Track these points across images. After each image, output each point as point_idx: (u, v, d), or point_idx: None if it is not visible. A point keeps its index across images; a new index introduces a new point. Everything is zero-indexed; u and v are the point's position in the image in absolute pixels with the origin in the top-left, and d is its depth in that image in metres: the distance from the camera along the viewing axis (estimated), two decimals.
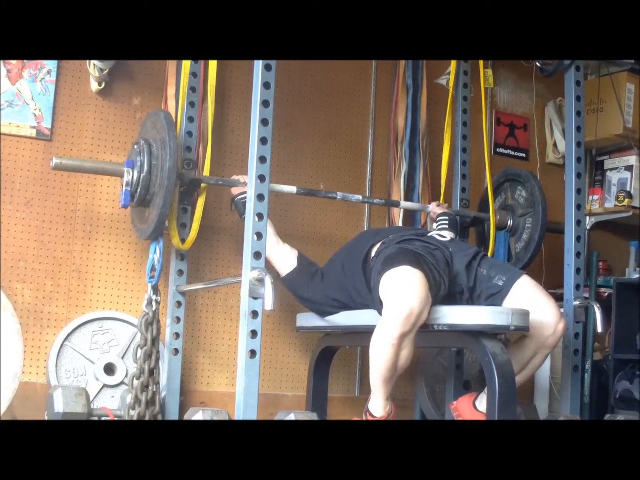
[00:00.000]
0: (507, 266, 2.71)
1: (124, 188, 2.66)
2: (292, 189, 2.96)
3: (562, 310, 2.90)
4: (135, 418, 2.62)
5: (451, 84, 3.38)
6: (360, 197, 3.16)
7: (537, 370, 2.70)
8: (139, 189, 2.66)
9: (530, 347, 2.53)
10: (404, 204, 3.30)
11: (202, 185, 2.89)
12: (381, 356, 2.31)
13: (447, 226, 3.06)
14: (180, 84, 2.97)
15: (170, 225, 2.82)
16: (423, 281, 2.33)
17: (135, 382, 2.67)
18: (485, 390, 2.58)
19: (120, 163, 2.72)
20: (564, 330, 2.57)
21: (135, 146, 2.72)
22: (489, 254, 3.17)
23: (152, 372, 2.69)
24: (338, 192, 3.07)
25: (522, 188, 3.31)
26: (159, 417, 2.71)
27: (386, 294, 2.35)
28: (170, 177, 2.59)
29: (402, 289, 2.30)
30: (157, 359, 2.72)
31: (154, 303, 2.75)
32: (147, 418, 2.65)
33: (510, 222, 3.31)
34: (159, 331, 2.75)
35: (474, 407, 2.57)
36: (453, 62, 3.36)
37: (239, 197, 2.83)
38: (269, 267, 2.82)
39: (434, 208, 3.19)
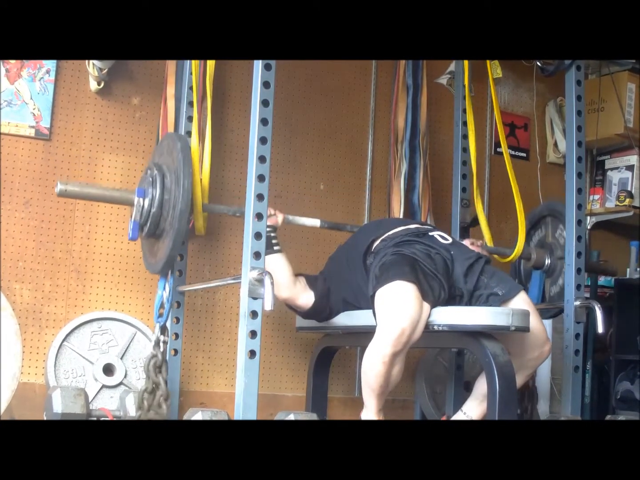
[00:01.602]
0: (507, 278, 2.68)
1: (132, 219, 2.52)
2: (316, 222, 2.85)
3: (564, 311, 2.91)
4: None
5: (466, 82, 3.30)
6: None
7: (518, 387, 2.66)
8: (148, 223, 2.53)
9: (513, 365, 2.51)
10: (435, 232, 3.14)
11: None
12: (373, 373, 2.34)
13: None
14: (182, 83, 2.95)
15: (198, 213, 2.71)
16: (416, 297, 2.32)
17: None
18: (462, 407, 2.62)
19: (131, 191, 2.58)
20: (549, 353, 2.59)
21: (148, 173, 2.57)
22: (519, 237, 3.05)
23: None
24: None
25: (563, 228, 3.08)
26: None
27: (379, 312, 2.37)
28: (182, 220, 2.44)
29: (394, 309, 2.31)
30: (169, 407, 2.58)
31: (161, 344, 2.59)
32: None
33: (548, 262, 3.15)
34: (167, 372, 2.61)
35: None
36: (465, 63, 3.30)
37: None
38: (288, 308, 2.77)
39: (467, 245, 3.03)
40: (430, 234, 2.64)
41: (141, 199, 2.52)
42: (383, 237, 2.62)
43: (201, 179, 2.74)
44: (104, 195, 2.60)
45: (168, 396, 2.58)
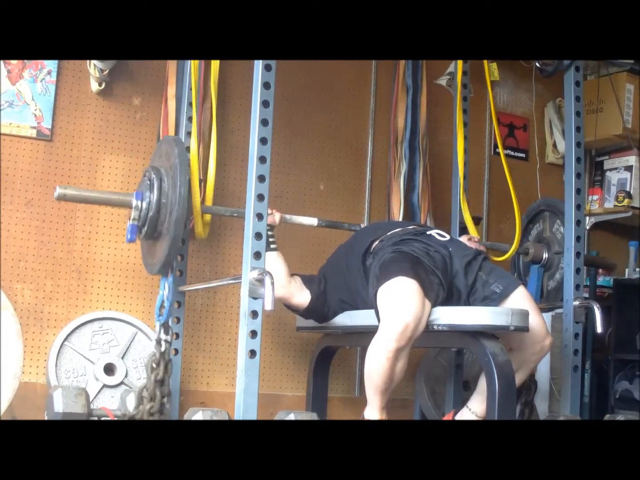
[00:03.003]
0: (505, 274, 2.70)
1: (130, 222, 2.54)
2: (313, 221, 2.89)
3: (561, 310, 2.91)
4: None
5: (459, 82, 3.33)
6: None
7: (519, 384, 2.68)
8: (146, 226, 2.55)
9: (514, 361, 2.52)
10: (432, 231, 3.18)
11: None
12: (377, 369, 2.33)
13: None
14: (183, 84, 2.95)
15: (197, 216, 2.74)
16: (418, 291, 2.33)
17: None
18: (467, 403, 2.62)
19: (129, 194, 2.60)
20: (550, 347, 2.60)
21: (146, 176, 2.59)
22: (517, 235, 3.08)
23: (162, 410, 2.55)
24: (361, 225, 3.04)
25: (560, 223, 3.14)
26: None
27: (382, 308, 2.37)
28: (178, 226, 2.46)
29: (397, 305, 2.32)
30: (164, 398, 2.57)
31: (163, 343, 2.58)
32: None
33: (545, 257, 3.19)
34: (168, 372, 2.59)
35: None
36: (459, 63, 3.32)
37: None
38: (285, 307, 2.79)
39: (464, 241, 3.03)
40: (428, 232, 2.66)
41: (139, 202, 2.53)
42: (381, 237, 2.63)
43: (204, 183, 2.76)
44: (102, 198, 2.63)
45: (169, 394, 2.58)
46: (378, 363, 2.32)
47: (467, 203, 3.19)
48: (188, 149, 2.94)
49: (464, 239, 3.02)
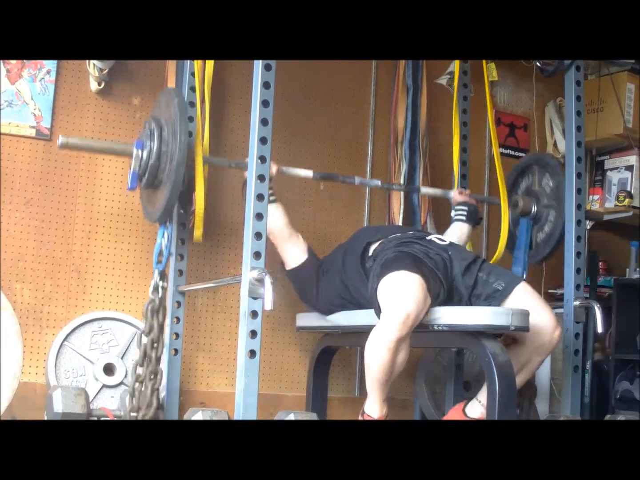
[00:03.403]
0: (506, 272, 2.71)
1: (131, 170, 2.58)
2: (309, 173, 2.94)
3: (562, 310, 2.91)
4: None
5: (456, 83, 3.36)
6: (379, 182, 3.17)
7: (530, 377, 2.69)
8: (146, 174, 2.58)
9: (525, 353, 2.53)
10: (425, 190, 3.27)
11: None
12: (378, 360, 2.31)
13: (464, 218, 3.06)
14: (182, 83, 2.95)
15: (198, 214, 2.76)
16: (421, 284, 2.33)
17: (139, 369, 2.62)
18: (477, 396, 2.59)
19: (130, 143, 2.63)
20: (560, 338, 2.58)
21: (147, 126, 2.63)
22: (503, 237, 3.13)
23: (158, 360, 2.63)
24: (356, 177, 3.06)
25: (550, 177, 3.20)
26: (160, 416, 2.70)
27: (383, 299, 2.36)
28: (179, 172, 2.50)
29: (399, 293, 2.31)
30: (162, 347, 2.66)
31: (160, 289, 2.68)
32: (145, 414, 2.61)
33: (534, 210, 3.21)
34: (164, 318, 2.69)
35: (464, 415, 2.57)
36: (457, 63, 3.34)
37: None
38: (276, 259, 2.82)
39: (455, 195, 3.16)
40: (428, 237, 2.68)
41: (140, 151, 2.57)
42: (381, 240, 2.64)
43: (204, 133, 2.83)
44: (104, 147, 2.72)
45: (161, 343, 2.65)
46: (379, 354, 2.29)
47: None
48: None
49: (454, 192, 3.13)
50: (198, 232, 2.79)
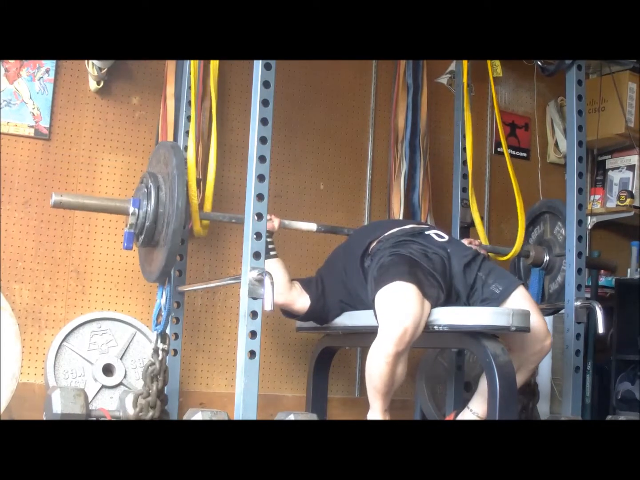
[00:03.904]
0: (505, 273, 2.69)
1: (127, 229, 2.52)
2: (312, 226, 2.85)
3: (562, 310, 2.90)
4: None
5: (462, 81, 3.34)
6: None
7: (521, 384, 2.67)
8: (142, 235, 2.53)
9: (515, 362, 2.50)
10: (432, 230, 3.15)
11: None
12: (377, 373, 2.34)
13: None
14: (182, 83, 2.95)
15: (195, 219, 2.73)
16: (416, 296, 2.33)
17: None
18: (469, 404, 2.60)
19: (126, 200, 2.58)
20: (550, 348, 2.58)
21: (143, 184, 2.57)
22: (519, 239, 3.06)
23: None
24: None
25: (562, 225, 3.11)
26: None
27: (380, 313, 2.37)
28: (175, 238, 2.46)
29: (395, 309, 2.31)
30: (162, 410, 2.61)
31: (160, 352, 2.59)
32: None
33: (546, 259, 3.16)
34: (165, 382, 2.61)
35: None
36: (465, 63, 3.31)
37: None
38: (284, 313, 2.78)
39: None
40: (426, 232, 2.64)
41: (136, 210, 2.51)
42: (379, 238, 2.62)
43: (204, 183, 2.74)
44: (99, 205, 2.59)
45: (165, 402, 2.59)
46: (378, 367, 2.32)
47: (475, 203, 3.14)
48: (186, 148, 2.94)
49: (464, 242, 2.98)
50: (197, 227, 2.73)
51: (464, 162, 3.37)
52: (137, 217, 2.51)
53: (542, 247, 3.20)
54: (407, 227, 2.68)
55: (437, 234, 2.64)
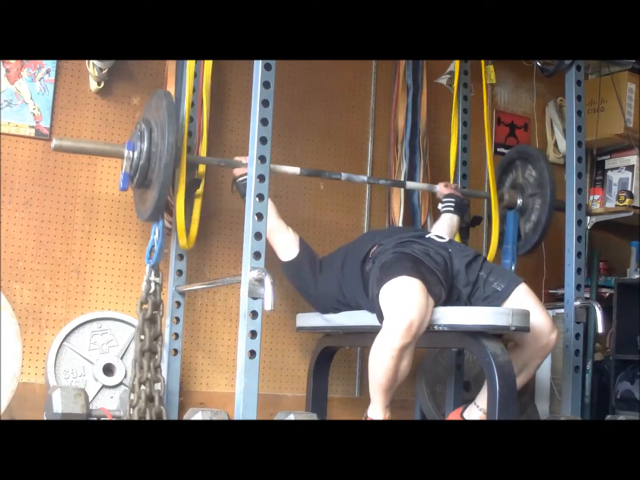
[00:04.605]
0: (506, 272, 2.71)
1: (123, 171, 2.64)
2: (296, 170, 2.94)
3: (562, 310, 2.91)
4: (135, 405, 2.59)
5: (455, 83, 3.38)
6: (365, 177, 3.18)
7: (529, 379, 2.69)
8: (137, 174, 2.64)
9: (523, 356, 2.53)
10: (410, 184, 3.28)
11: (198, 190, 2.89)
12: (382, 367, 2.32)
13: (452, 208, 3.07)
14: (182, 83, 2.95)
15: (179, 221, 2.77)
16: (422, 288, 2.33)
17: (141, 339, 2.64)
18: (475, 400, 2.61)
19: (121, 144, 2.68)
20: (557, 342, 2.59)
21: (137, 128, 2.69)
22: (494, 232, 3.16)
23: (154, 352, 2.65)
24: (342, 173, 3.05)
25: (532, 168, 3.24)
26: (164, 414, 2.68)
27: (386, 307, 2.37)
28: (167, 171, 2.56)
29: (401, 302, 2.31)
30: (161, 332, 2.67)
31: (153, 284, 2.71)
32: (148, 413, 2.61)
33: (519, 202, 3.25)
34: (160, 311, 2.70)
35: (462, 419, 2.58)
36: (457, 62, 3.36)
37: (240, 179, 2.81)
38: (275, 260, 2.82)
39: (441, 189, 3.17)
40: (427, 236, 2.69)
41: (131, 152, 2.63)
42: (380, 242, 2.64)
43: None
44: (96, 149, 2.74)
45: (160, 335, 2.68)
46: (382, 362, 2.31)
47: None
48: (188, 148, 2.95)
49: (440, 185, 3.16)
50: (182, 241, 2.81)
51: (464, 163, 3.39)
52: (132, 159, 2.63)
53: (515, 190, 3.29)
54: (409, 233, 2.73)
55: (437, 236, 2.70)
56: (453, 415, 2.66)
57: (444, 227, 3.01)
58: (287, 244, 2.83)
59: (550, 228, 3.20)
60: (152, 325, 2.66)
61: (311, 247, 2.91)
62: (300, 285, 2.88)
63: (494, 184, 3.18)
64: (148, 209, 2.68)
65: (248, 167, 2.31)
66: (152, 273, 2.72)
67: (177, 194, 2.71)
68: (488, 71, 3.49)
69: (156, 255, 2.72)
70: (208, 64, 2.91)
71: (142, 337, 2.64)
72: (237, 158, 2.89)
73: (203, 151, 2.95)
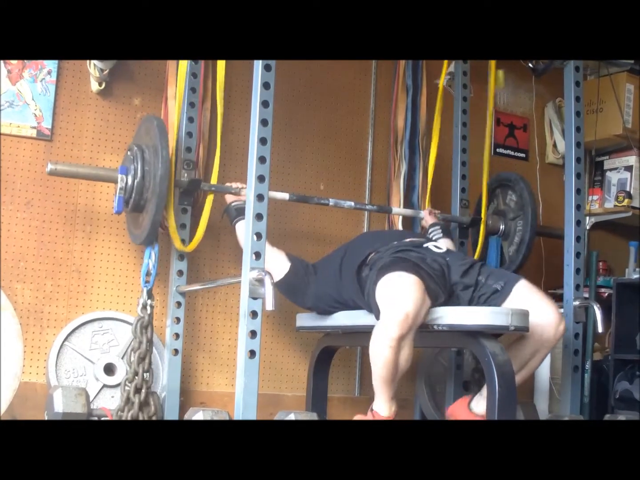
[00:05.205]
0: (504, 272, 2.72)
1: (117, 194, 2.69)
2: (285, 195, 2.99)
3: (562, 310, 2.91)
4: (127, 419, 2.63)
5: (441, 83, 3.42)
6: (352, 203, 3.16)
7: (535, 370, 2.71)
8: (132, 196, 2.69)
9: (530, 348, 2.54)
10: (397, 210, 3.33)
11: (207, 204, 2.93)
12: (381, 359, 2.32)
13: (441, 235, 3.07)
14: (185, 83, 2.96)
15: (170, 226, 2.82)
16: (418, 284, 2.34)
17: (129, 385, 2.67)
18: (481, 391, 2.59)
19: (115, 169, 2.74)
20: (564, 332, 2.59)
21: (129, 152, 2.74)
22: (477, 257, 3.21)
23: (145, 375, 2.70)
24: (330, 199, 3.09)
25: (512, 192, 3.36)
26: (156, 418, 2.71)
27: (381, 299, 2.37)
28: (162, 185, 2.61)
29: (397, 293, 2.32)
30: (151, 362, 2.73)
31: (148, 307, 2.77)
32: (141, 419, 2.65)
33: (502, 227, 3.35)
34: (152, 334, 2.76)
35: (469, 409, 2.58)
36: (445, 62, 3.39)
37: (233, 205, 2.90)
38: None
39: (426, 217, 3.22)
40: (425, 245, 2.69)
41: (124, 176, 2.68)
42: (378, 249, 2.64)
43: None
44: (90, 174, 2.79)
45: (151, 361, 2.74)
46: (381, 353, 2.31)
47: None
48: (189, 149, 2.96)
49: (425, 213, 3.22)
50: (176, 243, 2.88)
51: (463, 163, 3.39)
52: (126, 182, 2.68)
53: (497, 216, 3.39)
54: (406, 240, 2.73)
55: (435, 246, 2.70)
56: (459, 406, 2.64)
57: (441, 244, 2.99)
58: (275, 262, 2.81)
59: (534, 248, 3.31)
60: (149, 348, 2.74)
61: (299, 258, 2.90)
62: (296, 296, 2.87)
63: (485, 201, 3.26)
64: (143, 232, 2.74)
65: (248, 168, 2.31)
66: (148, 296, 2.79)
67: (168, 210, 2.76)
68: (498, 75, 3.48)
69: (152, 280, 2.81)
70: (221, 64, 2.90)
71: (143, 360, 2.72)
72: (229, 184, 2.94)
73: (203, 152, 2.96)
